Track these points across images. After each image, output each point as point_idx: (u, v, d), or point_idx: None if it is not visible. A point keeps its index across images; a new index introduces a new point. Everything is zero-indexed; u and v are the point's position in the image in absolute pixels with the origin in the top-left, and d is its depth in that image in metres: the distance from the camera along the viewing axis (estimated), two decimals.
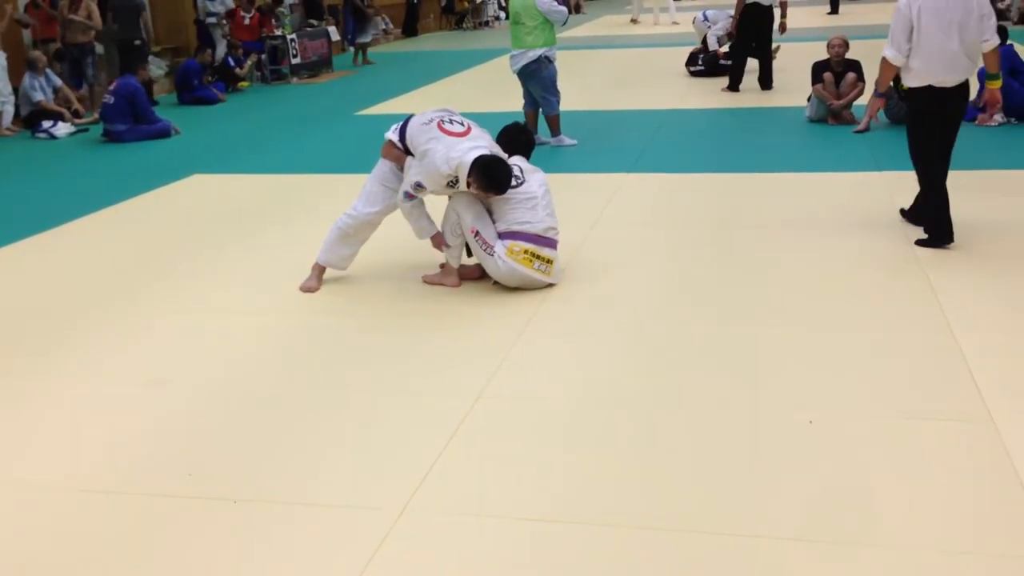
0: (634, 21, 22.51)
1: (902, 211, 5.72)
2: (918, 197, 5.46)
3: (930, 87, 5.12)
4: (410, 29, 23.12)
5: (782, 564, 2.61)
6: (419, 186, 4.66)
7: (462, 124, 4.71)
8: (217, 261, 5.61)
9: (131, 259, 5.73)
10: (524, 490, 3.04)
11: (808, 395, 3.59)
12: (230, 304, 4.88)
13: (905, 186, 6.52)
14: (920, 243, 5.21)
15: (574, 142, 8.34)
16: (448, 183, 4.59)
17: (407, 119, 4.86)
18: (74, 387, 3.96)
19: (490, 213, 4.81)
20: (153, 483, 3.17)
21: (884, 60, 5.23)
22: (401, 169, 4.83)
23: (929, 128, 5.20)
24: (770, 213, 6.07)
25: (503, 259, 4.68)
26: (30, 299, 5.08)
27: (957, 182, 6.53)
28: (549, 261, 4.76)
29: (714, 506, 2.90)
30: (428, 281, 4.95)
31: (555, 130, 8.32)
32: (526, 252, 4.69)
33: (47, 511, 3.04)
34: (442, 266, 5.00)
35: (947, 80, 5.12)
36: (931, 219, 5.24)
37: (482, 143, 4.65)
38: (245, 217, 6.63)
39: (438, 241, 4.89)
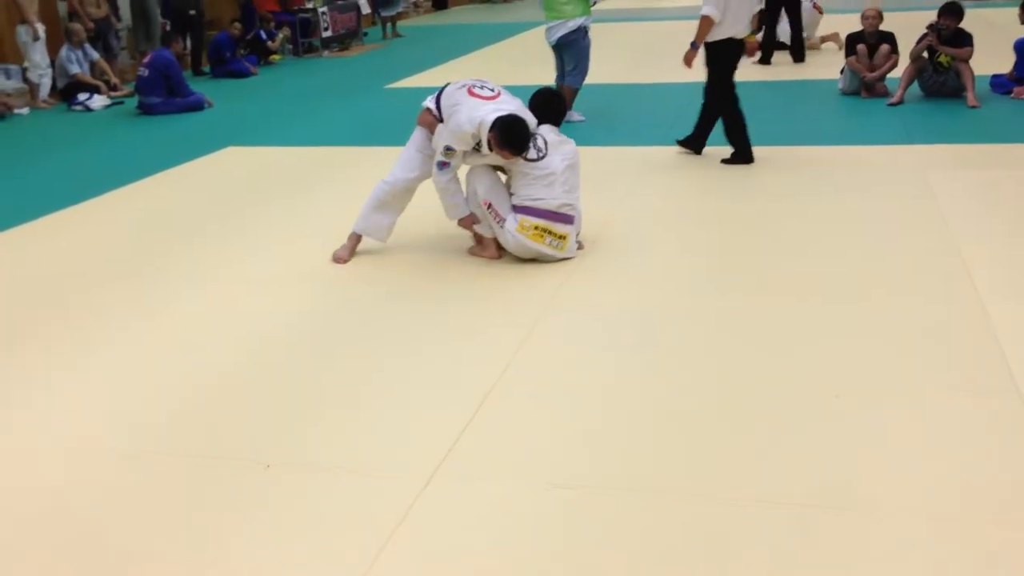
0: None
1: (679, 141, 6.99)
2: (698, 127, 6.87)
3: (731, 39, 6.50)
4: (440, 2, 23.05)
5: (809, 531, 2.64)
6: (448, 149, 4.68)
7: (492, 90, 4.76)
8: (250, 232, 5.68)
9: (166, 230, 5.82)
10: (552, 456, 3.08)
11: (837, 368, 3.59)
12: (263, 274, 4.95)
13: (939, 158, 6.48)
14: (726, 161, 6.63)
15: (582, 118, 8.26)
16: (475, 146, 4.64)
17: (444, 87, 4.92)
18: (107, 354, 4.04)
19: (508, 186, 4.85)
20: (187, 446, 3.25)
21: (704, 17, 6.41)
22: (433, 134, 4.87)
23: (732, 72, 6.60)
24: (801, 186, 6.05)
25: (512, 233, 4.73)
26: (67, 268, 5.18)
27: (994, 156, 6.50)
28: (563, 237, 4.76)
29: (741, 475, 2.93)
30: (471, 253, 4.98)
31: (570, 103, 8.23)
32: (536, 228, 4.71)
33: (86, 474, 3.12)
34: (477, 240, 5.02)
35: (742, 32, 6.54)
36: (742, 142, 6.62)
37: (510, 107, 4.67)
38: (277, 189, 6.69)
39: (468, 222, 4.91)
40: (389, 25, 16.96)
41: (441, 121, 4.81)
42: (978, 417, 3.20)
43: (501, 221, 4.77)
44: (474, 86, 4.76)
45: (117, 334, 4.25)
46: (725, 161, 6.65)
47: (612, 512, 2.78)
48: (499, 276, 4.72)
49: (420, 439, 3.21)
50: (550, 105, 5.06)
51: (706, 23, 6.43)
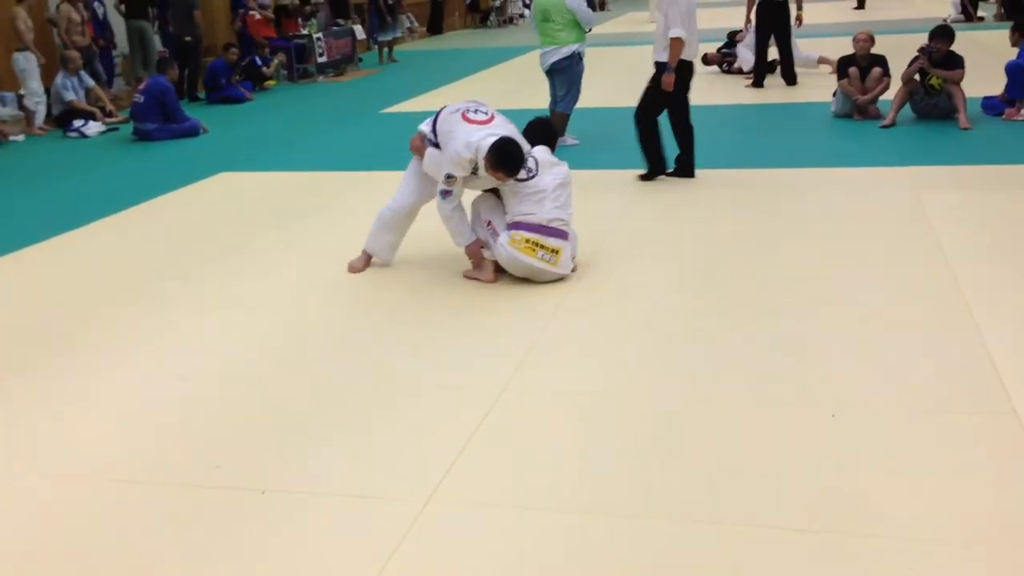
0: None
1: (668, 173, 7.00)
2: (680, 153, 6.98)
3: (689, 61, 6.78)
4: (435, 27, 23.20)
5: (804, 556, 2.63)
6: (450, 177, 4.75)
7: (486, 114, 4.83)
8: (244, 258, 5.68)
9: (159, 256, 5.82)
10: (549, 481, 3.07)
11: (832, 389, 3.59)
12: (256, 300, 4.95)
13: (931, 180, 6.51)
14: (673, 174, 6.93)
15: (576, 141, 8.29)
16: (473, 171, 4.72)
17: (440, 110, 5.00)
18: (103, 382, 4.03)
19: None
20: (182, 474, 3.23)
21: (675, 39, 6.58)
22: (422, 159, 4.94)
23: (686, 92, 6.91)
24: (795, 208, 6.07)
25: (504, 246, 4.77)
26: (60, 295, 5.17)
27: (986, 177, 6.53)
28: (555, 251, 4.78)
29: (737, 498, 2.92)
30: (467, 276, 4.98)
31: (563, 128, 8.25)
32: (527, 241, 4.75)
33: (80, 502, 3.10)
34: (476, 263, 4.99)
35: (694, 55, 6.89)
36: (690, 160, 6.92)
37: (504, 131, 4.73)
38: (272, 214, 6.70)
39: (474, 249, 4.92)
40: (385, 50, 17.06)
41: (436, 145, 4.86)
42: (975, 437, 3.20)
43: (495, 236, 4.85)
44: (468, 110, 4.82)
45: (112, 359, 4.24)
46: (672, 174, 6.97)
47: (610, 536, 2.77)
48: (496, 299, 4.72)
49: (416, 464, 3.20)
50: (544, 131, 5.20)
51: (678, 44, 6.60)
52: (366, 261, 5.23)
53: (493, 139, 4.63)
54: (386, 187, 5.80)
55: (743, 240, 5.49)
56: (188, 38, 12.82)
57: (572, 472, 3.12)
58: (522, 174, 4.79)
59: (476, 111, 4.83)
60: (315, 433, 3.47)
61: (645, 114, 6.94)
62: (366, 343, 4.31)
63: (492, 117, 4.82)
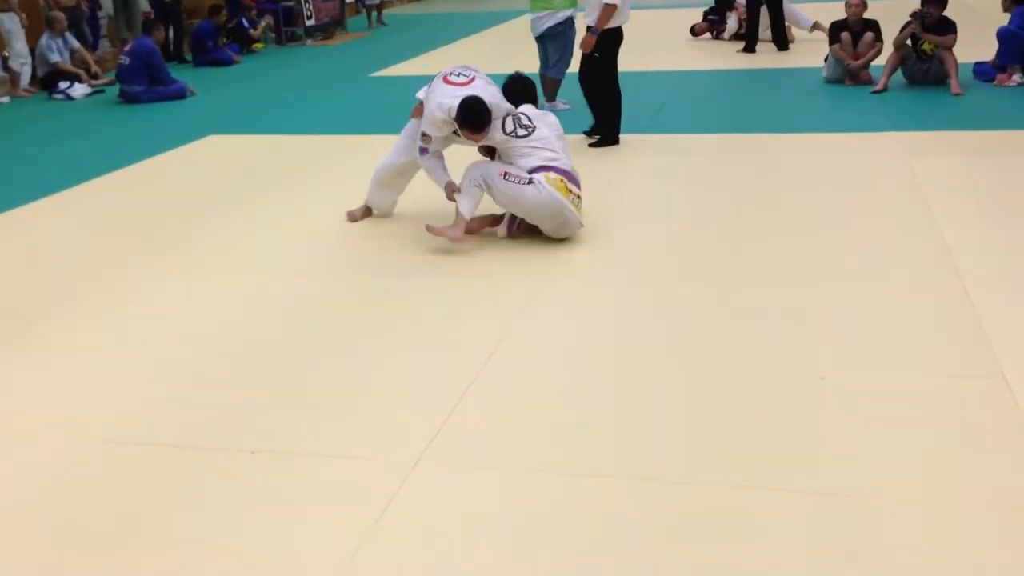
0: None
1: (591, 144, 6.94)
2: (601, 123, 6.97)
3: (619, 28, 6.75)
4: None
5: (794, 516, 2.64)
6: (424, 135, 4.87)
7: (467, 77, 4.86)
8: (232, 220, 5.64)
9: (147, 219, 5.77)
10: (538, 443, 3.08)
11: (820, 351, 3.60)
12: (245, 262, 4.92)
13: (922, 145, 6.50)
14: (594, 145, 6.89)
15: (567, 106, 8.23)
16: (452, 131, 4.81)
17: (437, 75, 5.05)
18: (94, 344, 4.01)
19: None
20: (172, 435, 3.23)
21: (608, 5, 6.55)
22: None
23: (615, 59, 6.86)
24: (786, 174, 6.06)
25: (543, 185, 4.69)
26: (49, 258, 5.14)
27: (977, 143, 6.53)
28: (579, 197, 4.85)
29: (726, 459, 2.93)
30: (432, 230, 4.85)
31: (554, 93, 8.17)
32: (561, 181, 4.75)
33: (69, 462, 3.10)
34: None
35: (624, 22, 6.81)
36: (613, 127, 6.91)
37: (481, 94, 4.73)
38: (260, 177, 6.66)
39: (451, 189, 4.94)
40: (375, 13, 16.89)
41: None
42: (963, 400, 3.21)
43: (525, 180, 4.71)
44: (451, 74, 4.91)
45: (101, 323, 4.22)
46: (593, 145, 6.94)
47: (602, 498, 2.78)
48: (486, 263, 4.71)
49: (406, 425, 3.20)
50: (522, 88, 5.20)
51: (609, 11, 6.60)
52: (365, 211, 5.38)
53: (460, 99, 4.71)
54: (376, 150, 5.77)
55: (732, 205, 5.48)
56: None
57: (562, 434, 3.13)
58: (520, 131, 4.83)
59: (458, 74, 4.90)
60: (305, 394, 3.47)
61: (614, 90, 6.95)
62: (357, 303, 4.30)
63: (472, 79, 4.85)
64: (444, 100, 4.75)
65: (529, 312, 4.10)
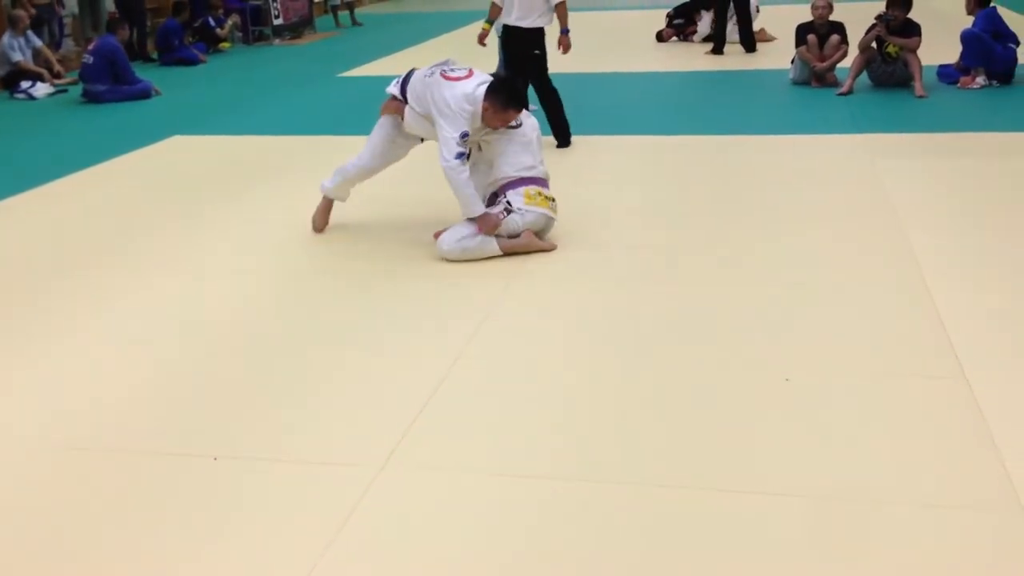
0: None
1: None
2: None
3: (517, 27, 6.76)
4: None
5: (765, 518, 2.65)
6: (465, 136, 4.59)
7: (463, 69, 4.76)
8: (197, 222, 5.58)
9: (110, 220, 5.70)
10: (505, 446, 3.06)
11: (787, 354, 3.61)
12: (210, 265, 4.87)
13: (887, 147, 6.56)
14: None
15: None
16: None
17: (408, 73, 4.92)
18: (55, 347, 3.95)
19: (492, 165, 4.84)
20: (135, 440, 3.18)
21: (563, 3, 6.74)
22: (403, 118, 4.85)
23: (521, 61, 6.85)
24: (752, 175, 6.09)
25: (524, 208, 4.70)
26: (10, 259, 5.06)
27: (941, 144, 6.60)
28: (553, 199, 4.87)
29: (693, 462, 2.93)
30: (509, 249, 4.70)
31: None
32: (539, 193, 4.77)
33: (31, 468, 3.05)
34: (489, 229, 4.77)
35: (529, 23, 6.77)
36: (564, 124, 6.94)
37: (487, 79, 4.73)
38: (225, 178, 6.59)
39: (492, 223, 4.64)
40: (344, 13, 16.78)
41: (406, 103, 4.80)
42: (926, 402, 3.24)
43: (503, 214, 4.68)
44: (445, 70, 4.75)
45: (61, 326, 4.16)
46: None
47: (564, 501, 2.77)
48: (452, 267, 4.69)
49: (371, 429, 3.18)
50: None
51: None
52: (327, 207, 5.17)
53: (485, 85, 4.61)
54: (343, 151, 5.73)
55: (698, 206, 5.49)
56: None
57: (529, 437, 3.11)
58: (513, 121, 4.77)
59: (453, 69, 4.76)
60: (269, 399, 3.43)
61: (535, 83, 6.92)
62: (322, 307, 4.26)
63: (471, 72, 4.76)
64: (468, 91, 4.57)
65: (496, 316, 4.09)
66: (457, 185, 4.65)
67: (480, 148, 4.91)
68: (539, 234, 4.82)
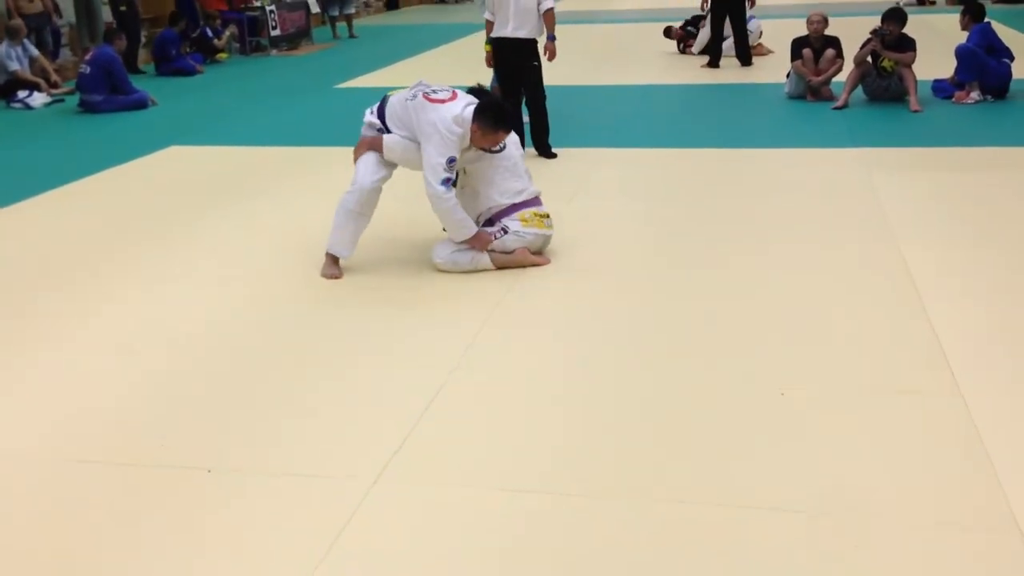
0: None
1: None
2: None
3: (500, 38, 6.90)
4: (392, 2, 22.99)
5: (759, 533, 2.64)
6: (452, 161, 4.50)
7: (446, 91, 4.67)
8: (192, 232, 5.58)
9: (106, 230, 5.69)
10: (500, 460, 3.06)
11: (782, 368, 3.61)
12: (206, 275, 4.86)
13: (882, 161, 6.58)
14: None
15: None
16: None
17: (382, 100, 4.83)
18: (48, 355, 3.94)
19: (476, 191, 4.79)
20: (127, 452, 3.17)
21: (551, 10, 6.89)
22: (381, 151, 4.73)
23: (501, 71, 7.04)
24: (747, 188, 6.10)
25: (522, 231, 4.72)
26: (4, 268, 5.04)
27: (936, 159, 6.61)
28: (548, 216, 4.87)
29: (688, 476, 2.93)
30: (505, 264, 4.72)
31: None
32: (534, 215, 4.78)
33: (20, 479, 3.03)
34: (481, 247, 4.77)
35: (510, 32, 6.88)
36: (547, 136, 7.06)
37: (472, 100, 4.63)
38: (222, 189, 6.59)
39: (486, 237, 4.67)
40: (343, 25, 16.81)
41: (388, 131, 4.72)
42: (920, 417, 3.24)
43: (500, 233, 4.70)
44: (427, 92, 4.62)
45: (52, 336, 4.15)
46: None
47: (558, 516, 2.76)
48: (450, 276, 4.68)
49: (365, 443, 3.17)
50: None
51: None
52: (334, 262, 4.77)
53: (472, 107, 4.52)
54: (341, 162, 5.72)
55: (694, 219, 5.50)
56: (123, 7, 12.51)
57: (524, 452, 3.11)
58: (495, 147, 4.72)
59: (434, 91, 4.63)
60: (262, 411, 3.42)
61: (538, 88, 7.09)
62: (316, 320, 4.25)
63: (454, 93, 4.66)
64: (455, 113, 4.47)
65: (491, 329, 4.08)
66: (444, 213, 4.58)
67: (465, 171, 4.84)
68: (535, 251, 4.82)
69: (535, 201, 4.84)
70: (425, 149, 4.53)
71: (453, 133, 4.47)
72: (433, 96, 4.60)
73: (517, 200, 4.77)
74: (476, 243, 4.66)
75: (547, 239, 4.88)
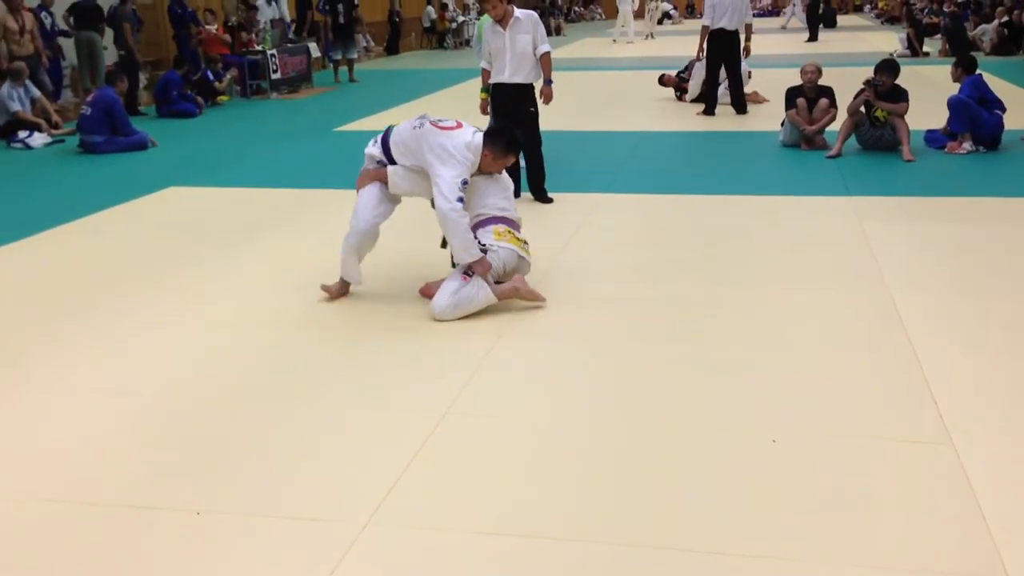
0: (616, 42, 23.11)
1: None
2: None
3: (499, 83, 7.00)
4: (392, 47, 23.26)
5: None
6: (465, 183, 4.65)
7: (451, 120, 4.81)
8: (190, 274, 5.60)
9: (103, 271, 5.71)
10: (490, 505, 3.05)
11: (772, 413, 3.62)
12: (201, 317, 4.87)
13: (875, 210, 6.63)
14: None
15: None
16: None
17: (386, 132, 4.93)
18: (40, 397, 3.93)
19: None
20: (116, 494, 3.16)
21: (548, 54, 6.97)
22: (386, 183, 4.84)
23: (503, 115, 6.86)
24: (741, 235, 6.14)
25: (497, 245, 4.77)
26: (0, 306, 5.06)
27: (928, 208, 6.67)
28: (526, 242, 4.95)
29: (681, 523, 2.92)
30: (504, 295, 4.75)
31: None
32: (509, 232, 4.86)
33: (8, 523, 3.01)
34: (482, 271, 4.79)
35: (506, 78, 6.96)
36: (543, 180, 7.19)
37: (477, 128, 4.83)
38: (220, 230, 6.62)
39: (485, 268, 4.69)
40: (343, 69, 16.98)
41: (393, 162, 4.81)
42: (912, 467, 3.24)
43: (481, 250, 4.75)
44: (433, 120, 4.77)
45: (49, 375, 4.15)
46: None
47: (548, 561, 2.75)
48: (439, 325, 4.69)
49: (356, 486, 3.16)
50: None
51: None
52: (342, 287, 5.00)
53: (481, 134, 4.74)
54: (339, 205, 5.78)
55: (687, 265, 5.53)
56: (121, 52, 12.66)
57: (516, 496, 3.10)
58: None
59: (440, 120, 4.79)
60: (252, 454, 3.42)
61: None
62: (307, 363, 4.26)
63: (459, 123, 4.82)
64: (466, 139, 4.67)
65: (483, 372, 4.09)
66: (457, 229, 4.62)
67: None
68: (511, 270, 4.86)
69: (514, 223, 4.92)
70: (438, 170, 4.62)
71: (467, 159, 4.66)
72: (441, 124, 4.74)
73: (498, 214, 4.86)
74: (479, 267, 4.69)
75: (524, 262, 4.89)
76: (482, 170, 4.79)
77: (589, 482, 3.18)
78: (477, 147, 4.68)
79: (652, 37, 23.27)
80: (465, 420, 3.65)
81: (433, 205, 4.70)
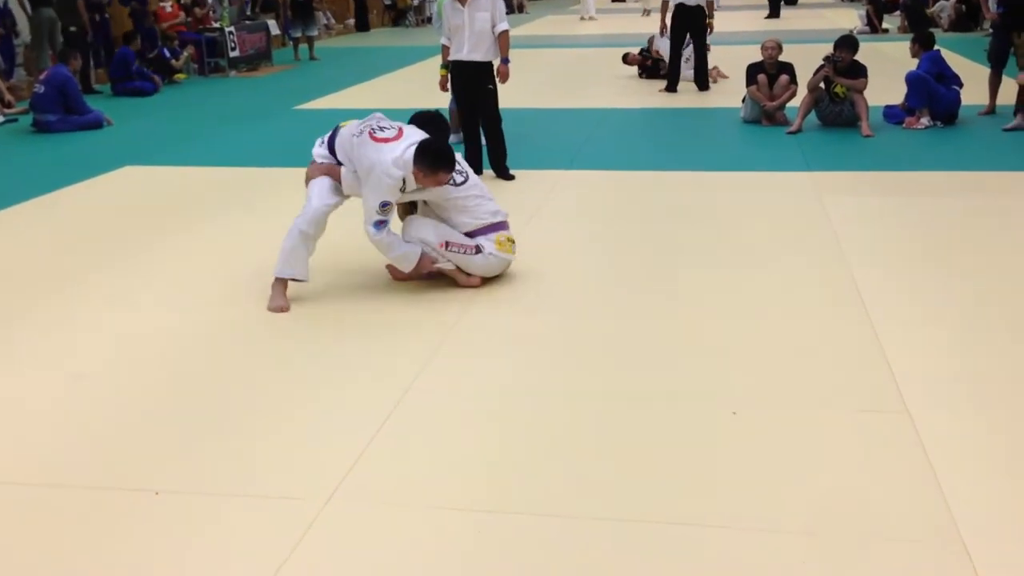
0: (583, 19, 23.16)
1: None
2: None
3: (457, 61, 7.03)
4: (362, 24, 23.15)
5: (707, 551, 2.66)
6: (385, 205, 4.47)
7: (392, 128, 4.59)
8: (145, 254, 5.52)
9: (57, 251, 5.62)
10: (451, 480, 3.05)
11: (733, 387, 3.65)
12: (156, 298, 4.81)
13: (834, 184, 6.68)
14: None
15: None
16: (400, 188, 4.50)
17: (334, 131, 4.79)
18: None
19: (448, 221, 4.78)
20: (73, 475, 3.12)
21: (506, 32, 6.99)
22: (338, 181, 4.70)
23: (457, 94, 7.20)
24: (702, 210, 6.16)
25: (495, 254, 4.75)
26: None
27: (886, 183, 6.74)
28: (514, 241, 4.92)
29: (641, 495, 2.94)
30: (462, 283, 4.78)
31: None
32: (510, 241, 4.84)
33: None
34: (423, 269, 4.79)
35: (465, 56, 6.96)
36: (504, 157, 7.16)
37: (416, 139, 4.57)
38: (175, 210, 6.53)
39: (427, 264, 4.70)
40: (303, 47, 16.77)
41: (338, 163, 4.69)
42: (871, 435, 3.28)
43: (472, 249, 4.70)
44: (373, 129, 4.55)
45: (2, 356, 4.07)
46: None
47: (509, 535, 2.76)
48: (404, 298, 4.67)
49: (316, 464, 3.15)
50: (437, 126, 4.96)
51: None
52: (283, 293, 4.62)
53: (414, 147, 4.45)
54: (298, 184, 5.68)
55: (648, 241, 5.55)
56: (72, 28, 12.39)
57: (477, 471, 3.10)
58: (457, 177, 4.68)
59: (381, 128, 4.56)
60: (212, 433, 3.39)
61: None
62: (267, 340, 4.22)
63: (400, 131, 4.57)
64: (396, 155, 4.39)
65: (445, 349, 4.08)
66: (388, 248, 4.63)
67: (425, 203, 4.84)
68: (490, 276, 4.82)
69: (505, 224, 4.87)
70: (364, 191, 4.54)
71: (391, 177, 4.42)
72: (378, 135, 4.51)
73: (493, 220, 4.80)
74: (424, 265, 4.71)
75: (508, 264, 4.90)
76: (420, 184, 4.52)
77: (551, 457, 3.19)
78: (407, 163, 4.40)
79: (647, 14, 23.15)
80: (428, 395, 3.64)
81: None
